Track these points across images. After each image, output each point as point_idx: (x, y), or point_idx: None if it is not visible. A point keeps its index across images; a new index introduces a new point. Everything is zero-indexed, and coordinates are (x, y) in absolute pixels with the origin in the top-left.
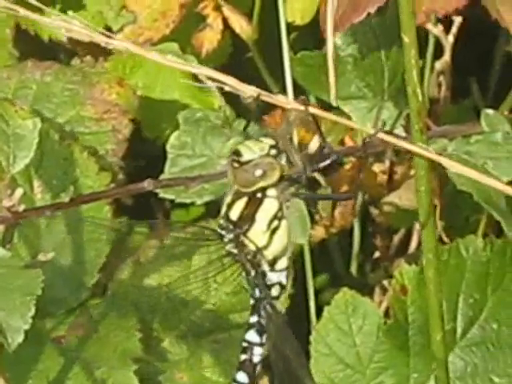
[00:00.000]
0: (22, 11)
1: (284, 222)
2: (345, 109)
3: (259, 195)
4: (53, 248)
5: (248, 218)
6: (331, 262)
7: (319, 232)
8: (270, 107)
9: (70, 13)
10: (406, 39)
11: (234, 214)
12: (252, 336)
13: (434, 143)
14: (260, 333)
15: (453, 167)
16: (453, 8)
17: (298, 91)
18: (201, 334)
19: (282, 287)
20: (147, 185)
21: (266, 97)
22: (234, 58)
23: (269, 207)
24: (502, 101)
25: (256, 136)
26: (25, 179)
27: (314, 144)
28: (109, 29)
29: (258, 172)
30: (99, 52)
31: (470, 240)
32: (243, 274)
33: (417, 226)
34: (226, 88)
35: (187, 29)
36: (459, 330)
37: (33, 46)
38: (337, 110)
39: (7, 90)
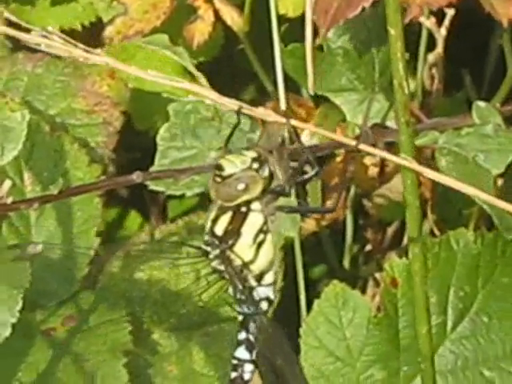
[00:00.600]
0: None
1: (269, 236)
2: (336, 101)
3: (244, 209)
4: (43, 240)
5: (233, 232)
6: (324, 255)
7: (310, 225)
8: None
9: (50, 28)
10: (392, 32)
11: (219, 229)
12: (242, 353)
13: (425, 136)
14: (250, 349)
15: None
16: (446, 1)
17: (290, 83)
18: (191, 327)
19: (270, 302)
20: (136, 177)
21: (247, 110)
22: (225, 50)
23: (254, 221)
24: (496, 93)
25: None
26: (15, 171)
27: (304, 138)
28: (100, 20)
29: (240, 186)
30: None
31: (460, 233)
32: (229, 290)
33: None
34: (207, 101)
35: (178, 21)
36: (450, 323)
37: None
38: (328, 103)
39: None
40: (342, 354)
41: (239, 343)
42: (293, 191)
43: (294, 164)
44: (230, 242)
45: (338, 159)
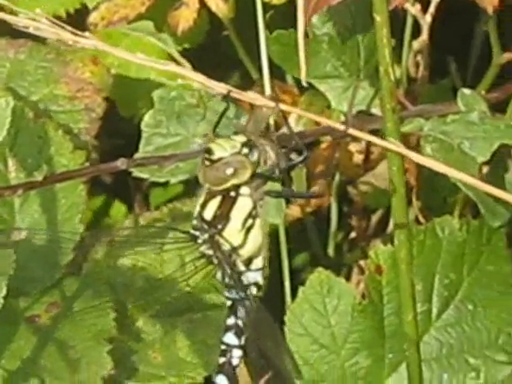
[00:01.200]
0: None
1: (258, 221)
2: (320, 88)
3: (233, 194)
4: (27, 227)
5: (222, 216)
6: (309, 242)
7: (295, 211)
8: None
9: (38, 10)
10: (377, 18)
11: (208, 214)
12: (230, 338)
13: (410, 123)
14: (238, 335)
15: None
16: None
17: (275, 70)
18: (176, 313)
19: (259, 287)
20: (120, 164)
21: (236, 94)
22: (210, 36)
23: (243, 205)
24: (482, 80)
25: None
26: None
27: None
28: (85, 6)
29: (229, 170)
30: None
31: (445, 220)
32: (218, 275)
33: None
34: (195, 85)
35: (163, 7)
36: (435, 311)
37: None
38: (313, 90)
39: None
40: (326, 342)
41: (228, 328)
42: (281, 176)
43: (282, 149)
44: (219, 227)
45: (323, 146)
